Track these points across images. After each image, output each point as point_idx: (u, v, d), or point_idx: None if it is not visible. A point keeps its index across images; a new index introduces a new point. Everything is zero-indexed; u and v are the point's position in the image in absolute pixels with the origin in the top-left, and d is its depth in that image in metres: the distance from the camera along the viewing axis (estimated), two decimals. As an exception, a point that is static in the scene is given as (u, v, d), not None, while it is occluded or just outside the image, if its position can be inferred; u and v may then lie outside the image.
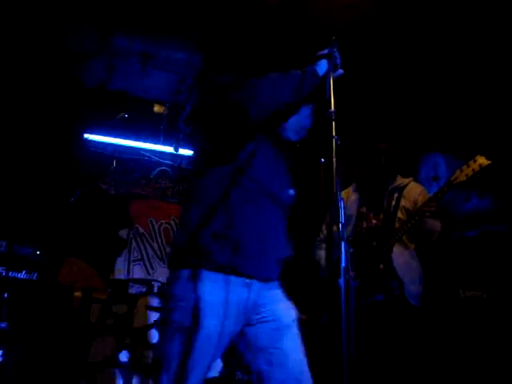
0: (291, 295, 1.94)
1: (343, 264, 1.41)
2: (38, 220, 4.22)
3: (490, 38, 3.76)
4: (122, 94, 5.17)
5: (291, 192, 1.93)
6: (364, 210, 3.05)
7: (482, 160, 2.62)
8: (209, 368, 1.80)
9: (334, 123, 1.55)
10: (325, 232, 3.15)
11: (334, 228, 1.39)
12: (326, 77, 1.80)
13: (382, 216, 2.97)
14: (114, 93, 5.15)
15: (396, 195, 2.98)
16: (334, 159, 1.46)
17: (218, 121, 1.85)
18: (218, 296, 1.73)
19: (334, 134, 1.53)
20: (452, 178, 2.68)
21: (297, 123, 1.95)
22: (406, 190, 2.99)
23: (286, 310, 1.88)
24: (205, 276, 1.72)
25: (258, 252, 1.79)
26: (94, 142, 5.19)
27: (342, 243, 1.42)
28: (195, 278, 1.72)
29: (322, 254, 3.08)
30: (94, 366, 3.41)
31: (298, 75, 1.86)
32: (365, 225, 2.99)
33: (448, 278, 3.76)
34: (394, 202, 2.96)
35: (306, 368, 1.82)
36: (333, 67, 1.80)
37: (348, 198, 3.10)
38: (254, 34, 4.14)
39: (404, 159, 3.32)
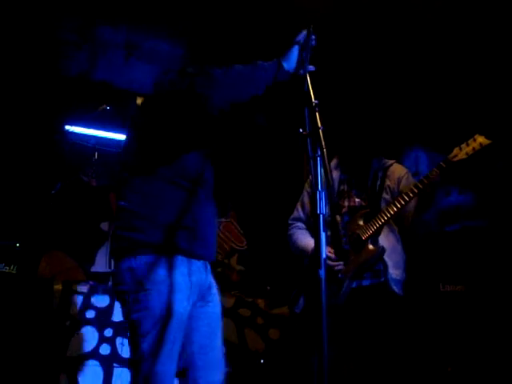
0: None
1: (324, 255, 1.41)
2: (17, 212, 4.16)
3: (474, 31, 3.79)
4: (105, 85, 5.12)
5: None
6: (345, 187, 2.94)
7: (481, 139, 2.55)
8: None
9: (317, 114, 1.54)
10: (300, 211, 3.06)
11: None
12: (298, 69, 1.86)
13: (366, 195, 2.87)
14: (96, 84, 5.10)
15: (380, 175, 2.90)
16: (325, 150, 1.45)
17: (174, 107, 1.95)
18: (185, 277, 1.91)
19: (319, 124, 1.52)
20: (450, 156, 2.57)
21: None
22: (390, 170, 2.91)
23: (218, 298, 2.13)
24: (172, 260, 1.90)
25: (207, 238, 2.01)
26: (76, 133, 5.12)
27: (323, 234, 1.41)
28: (165, 263, 1.88)
29: (299, 235, 2.99)
30: (74, 359, 3.37)
31: (262, 69, 1.93)
32: (346, 203, 2.89)
33: (428, 271, 3.79)
34: (379, 182, 2.88)
35: (222, 356, 2.08)
36: (304, 60, 1.80)
37: None
38: (237, 24, 4.13)
39: (387, 147, 3.29)
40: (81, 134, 5.10)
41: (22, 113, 4.85)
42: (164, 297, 1.85)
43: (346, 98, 4.24)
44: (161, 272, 1.87)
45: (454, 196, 4.47)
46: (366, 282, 2.76)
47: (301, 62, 1.87)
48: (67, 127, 5.20)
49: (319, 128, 1.49)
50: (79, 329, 3.45)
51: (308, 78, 1.72)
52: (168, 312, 1.85)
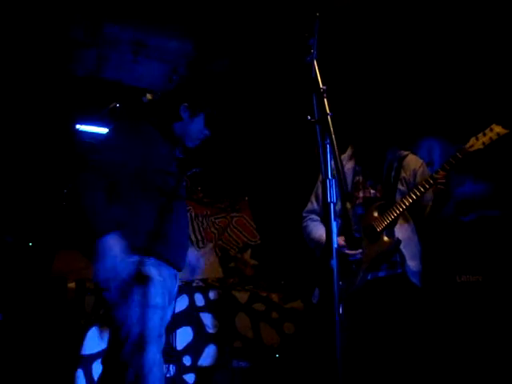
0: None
1: (335, 245, 1.38)
2: (30, 212, 4.18)
3: (490, 17, 3.72)
4: (114, 83, 5.12)
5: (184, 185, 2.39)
6: (360, 179, 2.89)
7: (498, 129, 2.48)
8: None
9: (325, 100, 1.50)
10: (314, 203, 3.04)
11: (348, 205, 1.34)
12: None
13: (381, 186, 2.83)
14: (105, 82, 5.11)
15: (395, 165, 2.85)
16: (333, 136, 1.41)
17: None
18: (160, 278, 2.12)
19: (327, 111, 1.48)
20: (467, 146, 2.51)
21: (193, 135, 2.41)
22: (405, 161, 2.86)
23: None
24: (155, 262, 2.12)
25: (178, 247, 2.24)
26: (87, 132, 5.15)
27: (334, 223, 1.38)
28: (151, 264, 2.10)
29: (313, 227, 2.97)
30: (89, 356, 3.38)
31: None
32: (361, 194, 2.84)
33: (444, 262, 3.73)
34: (393, 173, 2.83)
35: None
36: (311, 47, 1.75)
37: None
38: (245, 20, 4.10)
39: (401, 138, 3.22)
40: (92, 133, 5.12)
41: (34, 113, 4.87)
42: (145, 291, 2.05)
43: (360, 88, 4.19)
44: (144, 270, 2.08)
45: (469, 185, 4.40)
46: (382, 274, 2.72)
47: (308, 49, 1.83)
48: (78, 126, 5.23)
49: (328, 114, 1.45)
50: (93, 326, 3.44)
51: (315, 64, 1.68)
52: (150, 305, 2.05)
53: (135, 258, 2.06)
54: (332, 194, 1.41)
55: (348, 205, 1.31)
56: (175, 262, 2.22)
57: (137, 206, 2.16)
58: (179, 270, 2.27)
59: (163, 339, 2.16)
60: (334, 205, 1.41)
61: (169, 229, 2.18)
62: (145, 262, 2.08)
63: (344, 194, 1.29)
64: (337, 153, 1.37)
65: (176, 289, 2.30)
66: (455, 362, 3.23)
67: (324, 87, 1.52)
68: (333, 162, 1.37)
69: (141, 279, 2.05)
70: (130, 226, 2.10)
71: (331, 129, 1.41)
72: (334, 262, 1.37)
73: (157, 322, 2.05)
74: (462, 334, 3.30)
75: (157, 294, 2.07)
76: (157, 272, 2.11)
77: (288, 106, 4.83)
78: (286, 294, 4.18)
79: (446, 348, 3.28)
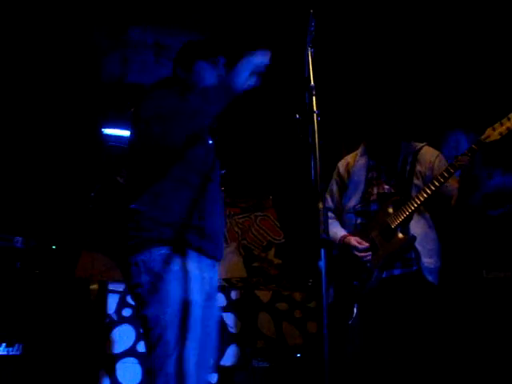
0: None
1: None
2: (56, 215, 4.28)
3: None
4: (138, 86, 5.20)
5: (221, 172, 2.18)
6: (374, 174, 2.82)
7: None
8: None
9: (314, 98, 1.48)
10: (329, 200, 2.97)
11: (320, 205, 1.31)
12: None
13: (395, 181, 2.74)
14: (129, 86, 5.19)
15: (410, 159, 2.76)
16: (316, 135, 1.39)
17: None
18: (197, 271, 1.92)
19: (314, 109, 1.46)
20: (483, 137, 2.42)
21: None
22: (420, 154, 2.76)
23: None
24: (185, 253, 1.91)
25: (215, 236, 2.03)
26: (112, 136, 5.25)
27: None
28: (178, 255, 1.90)
29: (328, 225, 2.76)
30: (112, 356, 3.44)
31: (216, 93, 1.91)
32: (375, 191, 2.77)
33: (470, 257, 3.63)
34: (408, 167, 2.74)
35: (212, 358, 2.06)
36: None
37: (355, 163, 2.90)
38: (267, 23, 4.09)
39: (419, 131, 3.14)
40: (117, 136, 5.21)
41: (63, 118, 4.99)
42: (181, 286, 1.85)
43: (371, 80, 4.12)
44: (175, 263, 1.87)
45: (498, 178, 4.26)
46: (397, 272, 2.65)
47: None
48: (105, 130, 5.34)
49: (314, 112, 1.42)
50: (116, 326, 3.50)
51: (310, 61, 1.65)
52: (187, 301, 1.84)
53: (167, 250, 1.89)
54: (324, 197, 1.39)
55: (320, 205, 1.28)
56: (213, 252, 2.03)
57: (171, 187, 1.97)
58: (217, 260, 2.09)
59: (210, 347, 2.01)
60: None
61: (206, 216, 1.99)
62: (179, 253, 1.90)
63: (316, 194, 1.27)
64: (317, 154, 1.34)
65: (216, 281, 2.10)
66: (475, 361, 3.13)
67: (312, 85, 1.50)
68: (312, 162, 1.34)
69: (175, 273, 1.86)
70: (159, 217, 1.93)
71: (315, 127, 1.38)
72: (322, 264, 1.34)
73: (194, 322, 1.85)
74: (487, 330, 3.21)
75: (193, 291, 1.87)
76: (195, 265, 1.92)
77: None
78: (309, 292, 4.15)
79: (466, 347, 3.19)
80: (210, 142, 2.12)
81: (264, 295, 4.10)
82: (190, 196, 1.95)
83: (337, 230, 2.84)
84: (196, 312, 1.85)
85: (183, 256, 1.90)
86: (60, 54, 4.66)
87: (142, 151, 2.00)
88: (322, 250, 1.33)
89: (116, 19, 4.39)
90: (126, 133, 5.30)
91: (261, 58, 1.85)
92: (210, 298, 2.02)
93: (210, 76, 2.12)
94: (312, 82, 1.53)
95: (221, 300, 4.00)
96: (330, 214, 2.99)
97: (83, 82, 5.01)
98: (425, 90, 4.44)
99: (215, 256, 2.05)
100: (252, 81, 1.82)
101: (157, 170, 1.97)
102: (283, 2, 3.81)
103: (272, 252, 4.83)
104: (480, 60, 4.13)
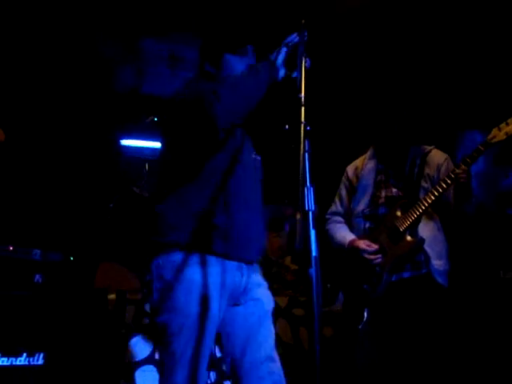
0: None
1: (314, 253, 1.37)
2: (74, 227, 4.39)
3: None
4: (153, 97, 5.28)
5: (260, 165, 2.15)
6: (382, 177, 2.85)
7: None
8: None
9: (302, 109, 1.51)
10: (338, 204, 3.02)
11: (297, 216, 1.33)
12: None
13: (403, 185, 2.77)
14: (144, 97, 5.27)
15: (418, 162, 2.78)
16: (302, 145, 1.42)
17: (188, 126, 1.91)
18: (216, 278, 1.84)
19: (302, 119, 1.48)
20: (489, 138, 2.45)
21: None
22: (428, 157, 2.78)
23: (266, 297, 2.02)
24: (204, 259, 1.83)
25: (246, 238, 1.93)
26: (129, 147, 5.35)
27: (313, 232, 1.37)
28: (195, 262, 1.83)
29: (337, 229, 2.93)
30: (131, 365, 3.49)
31: (258, 71, 1.93)
32: (383, 194, 2.80)
33: (487, 257, 3.59)
34: (416, 170, 2.76)
35: (274, 365, 1.94)
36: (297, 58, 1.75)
37: (364, 166, 2.92)
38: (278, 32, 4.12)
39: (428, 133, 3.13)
40: (133, 147, 5.30)
41: (80, 131, 5.10)
42: (193, 296, 1.79)
43: (380, 85, 4.11)
44: (190, 270, 1.82)
45: (515, 177, 4.20)
46: (406, 274, 2.66)
47: (292, 62, 1.86)
48: (122, 141, 5.44)
49: (301, 123, 1.45)
50: (135, 335, 3.56)
51: (303, 72, 1.68)
52: (198, 311, 1.78)
53: (184, 255, 1.83)
54: (310, 203, 1.41)
55: (298, 215, 1.31)
56: (241, 254, 1.93)
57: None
58: (247, 262, 1.97)
59: (261, 341, 1.94)
60: (313, 213, 1.40)
61: (233, 213, 1.91)
62: (198, 259, 1.83)
63: (299, 204, 1.30)
64: (303, 163, 1.37)
65: (244, 283, 1.96)
66: (484, 363, 3.09)
67: (300, 95, 1.52)
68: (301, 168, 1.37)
69: (187, 282, 1.80)
70: (183, 214, 1.88)
71: (301, 138, 1.41)
72: (312, 271, 1.36)
73: (205, 332, 1.78)
74: (506, 331, 3.16)
75: (211, 298, 1.79)
76: (215, 270, 1.84)
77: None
78: (325, 297, 4.14)
79: (479, 349, 3.15)
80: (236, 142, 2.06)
81: (281, 301, 4.11)
82: (216, 198, 1.88)
83: (345, 234, 2.85)
84: (208, 321, 1.79)
85: (200, 262, 1.83)
86: (76, 66, 4.78)
87: (180, 147, 1.97)
88: (313, 258, 1.34)
89: (130, 30, 4.47)
90: (143, 143, 5.40)
91: (292, 38, 1.94)
92: (236, 300, 1.95)
93: (240, 67, 2.11)
94: (302, 93, 1.56)
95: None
96: (338, 218, 3.02)
97: (100, 94, 5.12)
98: (441, 90, 4.41)
99: (242, 258, 1.94)
100: (297, 68, 1.77)
101: (183, 175, 1.93)
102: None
103: (289, 258, 4.84)
104: (495, 60, 4.09)
